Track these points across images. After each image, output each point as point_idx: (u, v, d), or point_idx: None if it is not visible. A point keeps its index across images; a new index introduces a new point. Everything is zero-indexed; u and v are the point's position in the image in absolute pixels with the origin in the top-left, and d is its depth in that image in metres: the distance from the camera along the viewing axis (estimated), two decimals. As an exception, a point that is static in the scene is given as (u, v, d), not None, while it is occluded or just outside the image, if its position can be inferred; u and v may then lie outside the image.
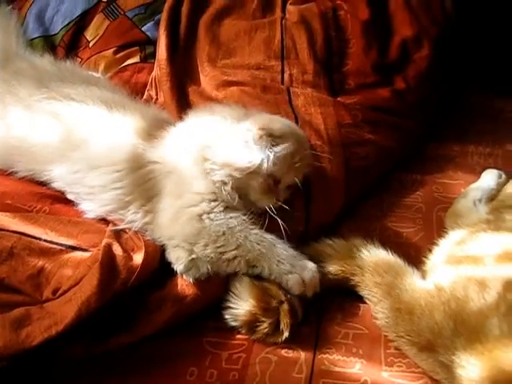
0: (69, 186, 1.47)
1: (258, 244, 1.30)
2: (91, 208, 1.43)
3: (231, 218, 1.32)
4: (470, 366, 1.11)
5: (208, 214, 1.32)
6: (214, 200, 1.33)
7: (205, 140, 1.38)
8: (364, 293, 1.34)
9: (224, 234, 1.30)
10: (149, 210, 1.37)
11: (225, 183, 1.34)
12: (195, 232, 1.31)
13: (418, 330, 1.21)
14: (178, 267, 1.30)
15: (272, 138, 1.34)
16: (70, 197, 1.47)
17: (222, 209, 1.32)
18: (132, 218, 1.38)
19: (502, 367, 1.08)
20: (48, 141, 1.47)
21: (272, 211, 1.33)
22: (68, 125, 1.48)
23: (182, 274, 1.30)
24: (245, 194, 1.35)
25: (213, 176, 1.34)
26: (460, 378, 1.13)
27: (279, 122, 1.41)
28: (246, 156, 1.32)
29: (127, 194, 1.39)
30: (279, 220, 1.32)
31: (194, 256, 1.29)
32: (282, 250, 1.31)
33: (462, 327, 1.16)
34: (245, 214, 1.34)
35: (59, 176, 1.47)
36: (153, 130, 1.46)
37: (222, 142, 1.35)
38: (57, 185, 1.49)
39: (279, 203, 1.35)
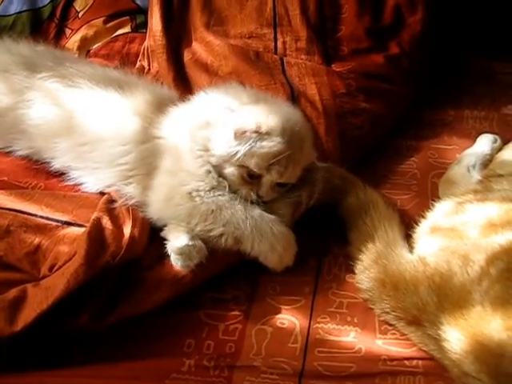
0: (73, 161, 1.46)
1: (243, 222, 1.29)
2: (94, 183, 1.43)
3: (219, 195, 1.32)
4: (455, 340, 1.11)
5: (197, 191, 1.31)
6: (201, 180, 1.33)
7: (200, 122, 1.36)
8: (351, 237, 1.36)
9: (213, 212, 1.30)
10: (147, 185, 1.37)
11: (208, 168, 1.33)
12: (187, 212, 1.31)
13: (403, 306, 1.20)
14: (171, 249, 1.29)
15: (258, 134, 1.27)
16: (73, 174, 1.46)
17: (208, 188, 1.32)
18: (130, 192, 1.38)
19: (483, 342, 1.08)
20: (52, 120, 1.47)
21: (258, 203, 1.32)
22: (72, 106, 1.47)
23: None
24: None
25: (197, 159, 1.33)
26: (446, 351, 1.13)
27: (279, 118, 1.31)
28: (222, 144, 1.30)
29: (131, 169, 1.39)
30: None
31: (190, 243, 1.28)
32: (267, 227, 1.30)
33: (445, 302, 1.15)
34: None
35: (64, 150, 1.46)
36: (158, 107, 1.44)
37: (211, 127, 1.33)
38: (60, 161, 1.48)
39: (264, 199, 1.33)
